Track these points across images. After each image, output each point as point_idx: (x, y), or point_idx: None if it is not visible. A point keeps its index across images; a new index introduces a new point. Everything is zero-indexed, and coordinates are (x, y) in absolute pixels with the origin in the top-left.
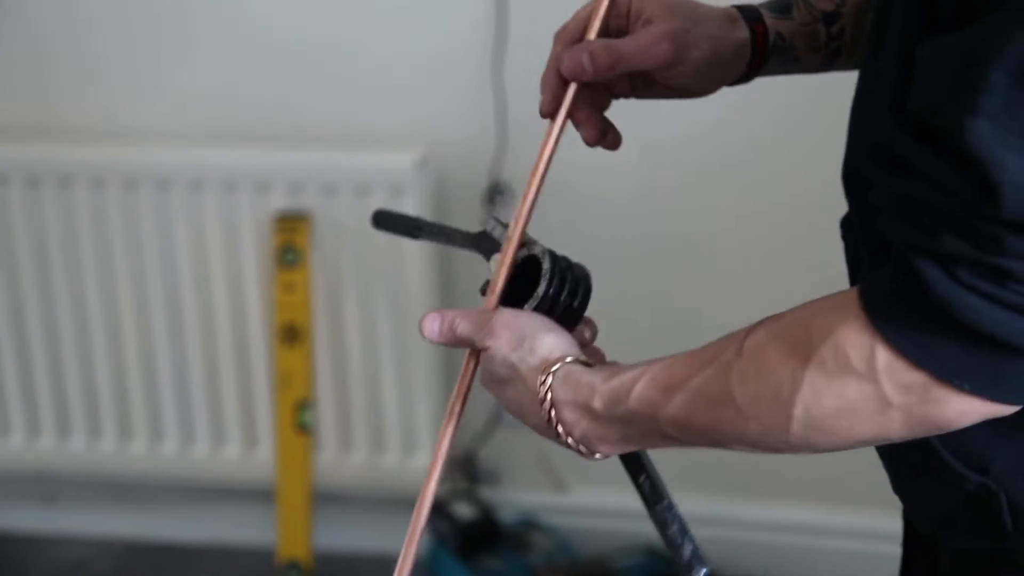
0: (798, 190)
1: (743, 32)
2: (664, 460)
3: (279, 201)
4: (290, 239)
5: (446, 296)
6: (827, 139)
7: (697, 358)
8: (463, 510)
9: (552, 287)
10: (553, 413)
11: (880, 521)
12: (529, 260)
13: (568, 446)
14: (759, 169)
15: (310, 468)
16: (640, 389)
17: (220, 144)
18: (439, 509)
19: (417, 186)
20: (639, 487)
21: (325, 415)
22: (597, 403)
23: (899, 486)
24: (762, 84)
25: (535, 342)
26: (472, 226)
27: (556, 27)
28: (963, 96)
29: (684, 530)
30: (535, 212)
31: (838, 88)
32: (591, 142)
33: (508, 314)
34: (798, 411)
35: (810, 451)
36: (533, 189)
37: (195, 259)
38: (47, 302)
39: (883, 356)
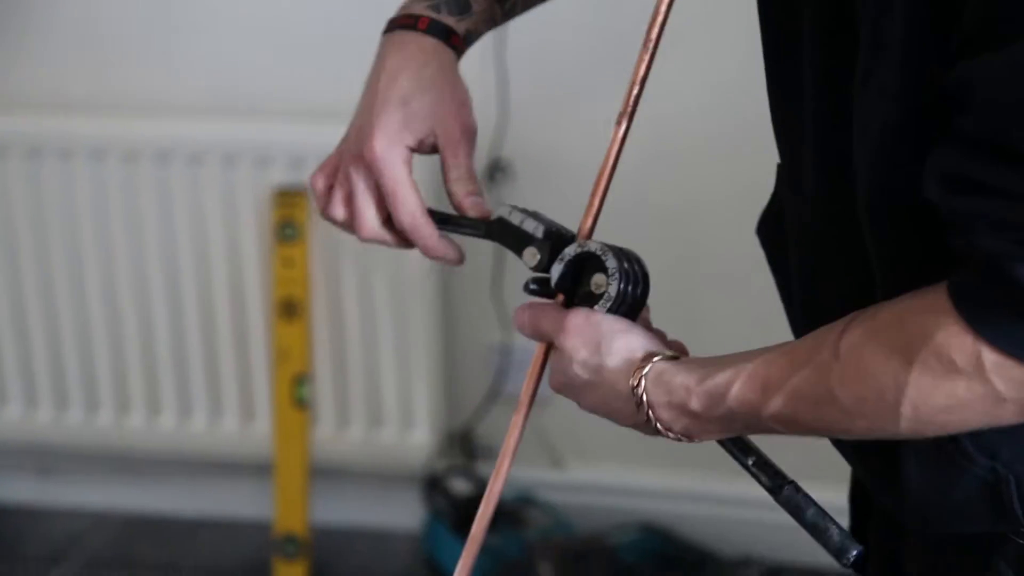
0: None
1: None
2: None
3: (279, 176)
4: (289, 214)
5: (445, 271)
6: None
7: (792, 357)
8: (460, 486)
9: (621, 284)
10: (651, 414)
11: None
12: (583, 256)
13: (668, 437)
14: (755, 151)
15: (308, 443)
16: (738, 389)
17: (220, 118)
18: (435, 484)
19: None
20: (754, 473)
21: (323, 390)
22: (695, 404)
23: (887, 474)
24: (761, 59)
25: (613, 343)
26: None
27: (559, 3)
28: None
29: (823, 511)
30: (536, 188)
31: None
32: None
33: (581, 315)
34: (906, 410)
35: (920, 437)
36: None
37: (194, 233)
38: (45, 274)
39: (990, 357)
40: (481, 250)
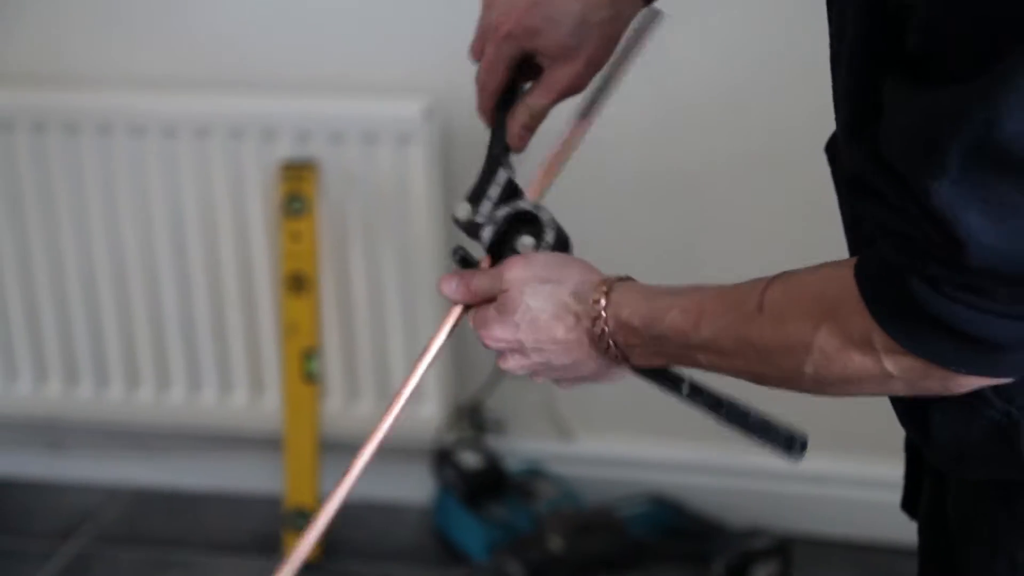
0: (796, 124)
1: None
2: (668, 409)
3: (286, 149)
4: (297, 187)
5: (451, 243)
6: (828, 80)
7: (724, 300)
8: (469, 459)
9: (557, 232)
10: (606, 328)
11: (882, 469)
12: (515, 215)
13: (610, 357)
14: (759, 106)
15: (317, 416)
16: (673, 316)
17: (227, 91)
18: (445, 457)
19: (424, 135)
20: (691, 398)
21: (332, 364)
22: (636, 321)
23: (912, 417)
24: (769, 21)
25: (565, 269)
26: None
27: None
28: (927, 159)
29: (763, 414)
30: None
31: None
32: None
33: (518, 259)
34: (808, 370)
35: (824, 396)
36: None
37: (201, 207)
38: (53, 248)
39: (880, 341)
40: None
